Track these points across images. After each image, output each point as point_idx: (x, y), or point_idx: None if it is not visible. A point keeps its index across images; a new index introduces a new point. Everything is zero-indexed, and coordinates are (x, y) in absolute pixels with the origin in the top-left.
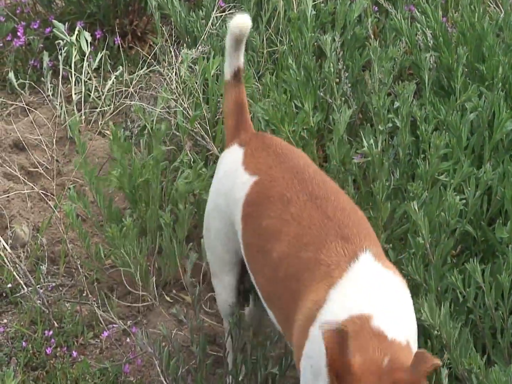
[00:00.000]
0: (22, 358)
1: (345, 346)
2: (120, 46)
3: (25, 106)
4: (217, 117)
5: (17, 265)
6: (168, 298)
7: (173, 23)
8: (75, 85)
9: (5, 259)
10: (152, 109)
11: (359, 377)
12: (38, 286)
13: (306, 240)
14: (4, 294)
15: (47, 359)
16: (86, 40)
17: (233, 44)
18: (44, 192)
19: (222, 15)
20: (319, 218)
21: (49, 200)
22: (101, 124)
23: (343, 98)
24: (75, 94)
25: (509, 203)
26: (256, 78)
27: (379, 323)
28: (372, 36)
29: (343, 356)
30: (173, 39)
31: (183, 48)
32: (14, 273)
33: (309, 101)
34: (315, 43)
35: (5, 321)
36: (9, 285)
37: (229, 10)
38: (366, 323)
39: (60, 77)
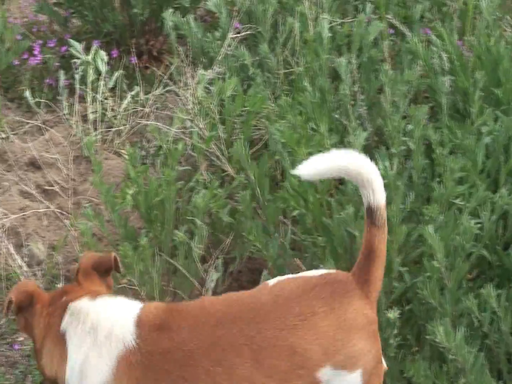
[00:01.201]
0: (38, 376)
1: None
2: (136, 66)
3: (41, 124)
4: (233, 137)
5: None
6: None
7: (189, 44)
8: (91, 104)
9: (21, 276)
10: (168, 129)
11: None
12: None
13: None
14: None
15: None
16: (102, 59)
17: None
18: (60, 210)
19: (237, 36)
20: None
21: (65, 219)
22: (117, 143)
23: (358, 121)
24: (91, 113)
25: None
26: (272, 99)
27: None
28: (388, 59)
29: None
30: (189, 59)
31: (199, 69)
32: None
33: (324, 123)
34: (331, 65)
35: (20, 339)
36: None
37: (245, 31)
38: None
39: (76, 96)
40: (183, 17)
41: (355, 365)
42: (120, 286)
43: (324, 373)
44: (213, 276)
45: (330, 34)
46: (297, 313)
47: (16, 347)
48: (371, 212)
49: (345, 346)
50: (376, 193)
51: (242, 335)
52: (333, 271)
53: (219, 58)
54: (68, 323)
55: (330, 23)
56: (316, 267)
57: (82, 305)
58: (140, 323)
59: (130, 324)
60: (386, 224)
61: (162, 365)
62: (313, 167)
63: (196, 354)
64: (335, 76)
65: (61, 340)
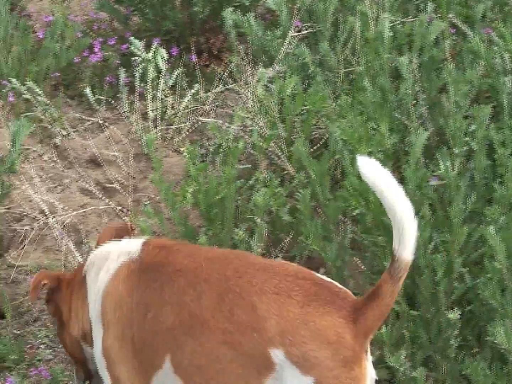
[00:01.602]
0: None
1: None
2: (196, 64)
3: (101, 122)
4: (293, 136)
5: None
6: None
7: (249, 42)
8: (151, 102)
9: None
10: (228, 127)
11: None
12: None
13: None
14: None
15: None
16: (162, 57)
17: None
18: (119, 208)
19: (298, 35)
20: None
21: (125, 216)
22: (176, 141)
23: (419, 120)
24: (151, 111)
25: None
26: (332, 98)
27: None
28: (449, 59)
29: None
30: (249, 57)
31: (259, 67)
32: None
33: (385, 122)
34: (392, 65)
35: None
36: None
37: (306, 29)
38: None
39: (136, 93)
40: (243, 15)
41: (308, 370)
42: None
43: (276, 355)
44: None
45: (391, 34)
46: (275, 284)
47: None
48: (392, 261)
49: (304, 345)
50: (403, 245)
51: (220, 273)
52: (343, 288)
53: (280, 56)
54: (86, 270)
55: (391, 22)
56: (376, 267)
57: (97, 251)
58: (147, 243)
59: (139, 243)
60: (402, 280)
61: (154, 274)
62: (373, 171)
63: (182, 273)
64: (396, 76)
65: (82, 287)
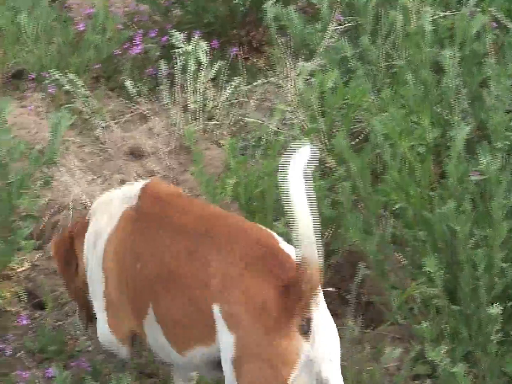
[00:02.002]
0: (136, 364)
1: None
2: (237, 57)
3: (143, 113)
4: (333, 130)
5: None
6: None
7: (290, 35)
8: (191, 94)
9: None
10: (268, 120)
11: None
12: None
13: None
14: None
15: (160, 367)
16: (203, 50)
17: None
18: None
19: (339, 28)
20: None
21: None
22: (217, 134)
23: (461, 115)
24: (191, 103)
25: None
26: (373, 92)
27: None
28: (491, 53)
29: None
30: (290, 51)
31: (299, 60)
32: None
33: (426, 116)
34: (433, 58)
35: None
36: None
37: (346, 23)
38: None
39: (177, 86)
40: (284, 8)
41: (233, 328)
42: None
43: (215, 311)
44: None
45: (432, 27)
46: (233, 247)
47: None
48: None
49: (233, 304)
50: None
51: (198, 231)
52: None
53: (320, 50)
54: (89, 217)
55: (432, 16)
56: (417, 262)
57: (101, 198)
58: (145, 189)
59: (138, 189)
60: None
61: (146, 224)
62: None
63: (169, 228)
64: (437, 69)
65: (84, 234)
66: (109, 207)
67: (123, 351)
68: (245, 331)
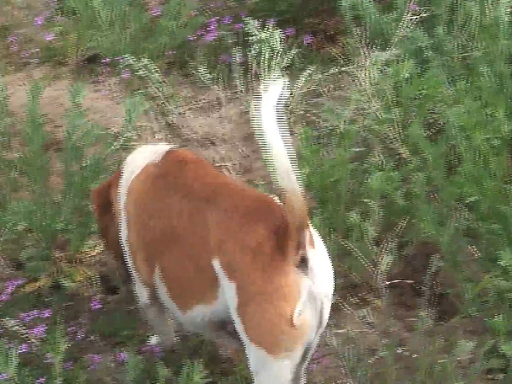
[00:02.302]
0: (208, 351)
1: None
2: (311, 45)
3: (215, 100)
4: (408, 120)
5: None
6: (355, 300)
7: (364, 24)
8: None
9: None
10: (342, 109)
11: None
12: None
13: None
14: None
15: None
16: (277, 38)
17: None
18: None
19: (414, 18)
20: None
21: None
22: (290, 122)
23: None
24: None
25: None
26: (448, 83)
27: None
28: None
29: None
30: (365, 40)
31: (374, 50)
32: None
33: (502, 108)
34: (509, 51)
35: None
36: None
37: (422, 13)
38: None
39: (251, 73)
40: None
41: (232, 276)
42: None
43: (215, 265)
44: (386, 259)
45: (508, 19)
46: (231, 205)
47: None
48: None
49: (230, 253)
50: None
51: (205, 197)
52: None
53: (395, 39)
54: (122, 169)
55: (509, 7)
56: (491, 255)
57: (133, 153)
58: (170, 152)
59: (164, 150)
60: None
61: (163, 184)
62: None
63: (182, 190)
64: None
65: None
66: (136, 159)
67: (144, 294)
68: (243, 276)
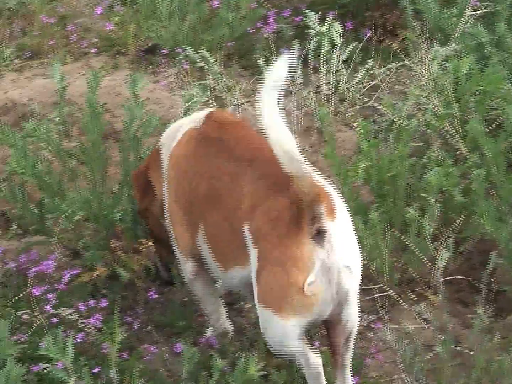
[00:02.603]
0: (262, 342)
1: None
2: (370, 39)
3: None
4: (467, 116)
5: None
6: (412, 296)
7: (425, 19)
8: (324, 75)
9: None
10: (401, 104)
11: None
12: None
13: None
14: None
15: None
16: (337, 31)
17: None
18: None
19: (475, 14)
20: None
21: None
22: (349, 116)
23: None
24: (324, 84)
25: None
26: (509, 79)
27: None
28: None
29: None
30: (425, 35)
31: (434, 45)
32: None
33: None
34: None
35: (248, 306)
36: None
37: (483, 9)
38: None
39: (310, 66)
40: None
41: (256, 243)
42: None
43: (245, 230)
44: (444, 255)
45: None
46: (265, 172)
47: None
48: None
49: (255, 221)
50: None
51: (246, 159)
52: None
53: (455, 35)
54: (161, 144)
55: None
56: None
57: (171, 126)
58: (209, 115)
59: (204, 114)
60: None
61: (205, 147)
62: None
63: (224, 152)
64: None
65: (158, 161)
66: (177, 128)
67: (187, 267)
68: (263, 243)
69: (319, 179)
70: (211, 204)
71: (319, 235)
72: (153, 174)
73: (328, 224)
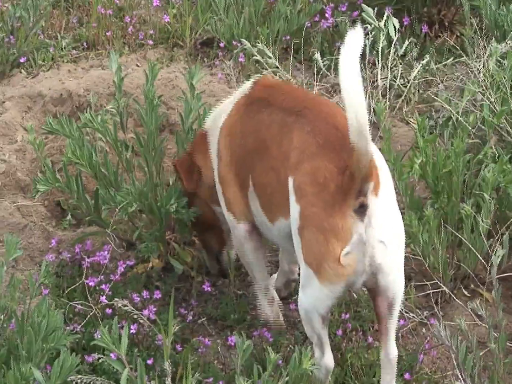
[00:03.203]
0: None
1: None
2: (427, 35)
3: (331, 86)
4: None
5: None
6: (466, 292)
7: (482, 15)
8: (381, 70)
9: None
10: (458, 100)
11: None
12: None
13: None
14: None
15: (341, 342)
16: (394, 27)
17: None
18: None
19: None
20: None
21: None
22: (405, 111)
23: None
24: (380, 79)
25: None
26: None
27: None
28: None
29: None
30: (482, 31)
31: (491, 41)
32: None
33: None
34: None
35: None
36: None
37: None
38: None
39: (366, 61)
40: None
41: (299, 199)
42: None
43: (290, 182)
44: (499, 252)
45: None
46: (314, 126)
47: (293, 307)
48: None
49: (301, 177)
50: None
51: (292, 111)
52: None
53: None
54: (208, 128)
55: None
56: None
57: (216, 109)
58: (256, 82)
59: (251, 82)
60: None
61: (253, 107)
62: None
63: (270, 108)
64: None
65: (205, 144)
66: (222, 109)
67: (240, 229)
68: (307, 203)
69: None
70: (260, 155)
71: (360, 208)
72: (200, 157)
73: (371, 200)
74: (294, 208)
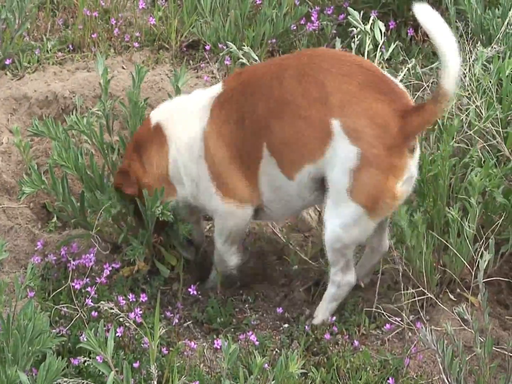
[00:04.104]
0: (303, 342)
1: None
2: (413, 38)
3: None
4: (510, 118)
5: (303, 248)
6: (452, 296)
7: (468, 19)
8: None
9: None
10: None
11: None
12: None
13: None
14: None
15: (328, 346)
16: (380, 30)
17: None
18: None
19: None
20: None
21: None
22: None
23: None
24: None
25: None
26: None
27: None
28: None
29: None
30: (468, 35)
31: (477, 46)
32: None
33: None
34: None
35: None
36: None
37: None
38: None
39: None
40: None
41: (356, 141)
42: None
43: (335, 125)
44: (485, 257)
45: None
46: (342, 68)
47: (280, 310)
48: (438, 89)
49: (356, 120)
50: (447, 79)
51: (297, 62)
52: (403, 89)
53: (499, 36)
54: (164, 125)
55: None
56: None
57: (163, 108)
58: (225, 80)
59: (219, 84)
60: (441, 105)
61: (242, 90)
62: (428, 17)
63: (264, 75)
64: None
65: (161, 139)
66: (193, 110)
67: (244, 213)
68: (367, 145)
69: None
70: (277, 114)
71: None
72: (153, 147)
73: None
74: (349, 149)
